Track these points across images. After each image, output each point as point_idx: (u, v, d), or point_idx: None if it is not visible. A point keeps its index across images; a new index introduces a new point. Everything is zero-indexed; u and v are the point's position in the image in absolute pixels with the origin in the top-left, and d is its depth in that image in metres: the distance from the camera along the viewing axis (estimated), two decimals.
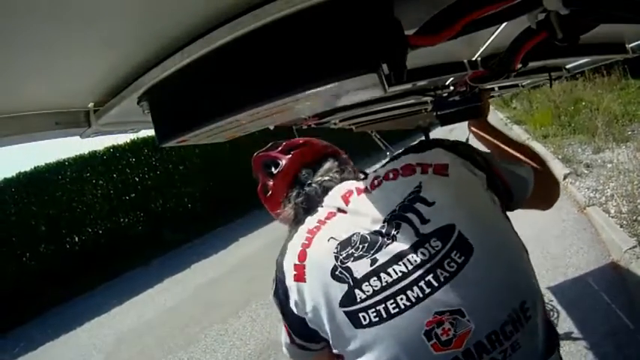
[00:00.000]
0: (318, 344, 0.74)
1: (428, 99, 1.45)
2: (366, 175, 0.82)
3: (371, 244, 0.65)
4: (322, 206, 0.78)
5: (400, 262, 0.62)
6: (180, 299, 4.74)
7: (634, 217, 2.78)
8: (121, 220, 7.68)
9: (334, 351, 0.68)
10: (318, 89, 0.47)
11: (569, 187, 3.76)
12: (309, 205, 0.82)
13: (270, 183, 0.91)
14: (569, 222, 3.23)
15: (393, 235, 0.65)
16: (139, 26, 0.46)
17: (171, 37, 0.50)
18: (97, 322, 4.89)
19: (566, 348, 1.94)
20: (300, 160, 0.90)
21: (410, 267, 0.61)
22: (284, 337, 0.80)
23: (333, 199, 0.78)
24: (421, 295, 0.59)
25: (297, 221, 0.82)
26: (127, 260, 6.82)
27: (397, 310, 0.60)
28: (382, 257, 0.63)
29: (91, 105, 0.70)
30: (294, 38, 0.46)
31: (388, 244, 0.64)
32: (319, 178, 0.84)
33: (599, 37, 1.13)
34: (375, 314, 0.61)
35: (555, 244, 2.93)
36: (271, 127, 0.92)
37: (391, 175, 0.73)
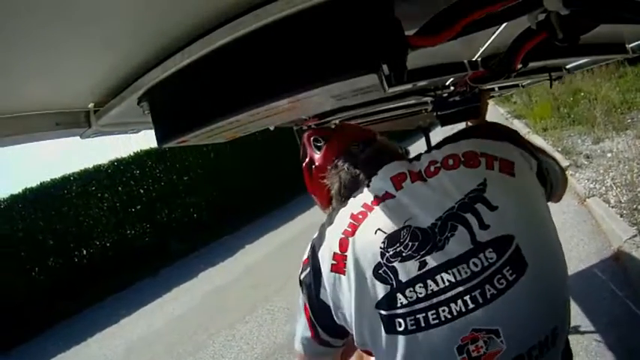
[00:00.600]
0: (341, 340, 0.71)
1: (428, 99, 1.45)
2: (418, 156, 0.73)
3: (421, 243, 0.60)
4: (369, 186, 0.70)
5: (450, 271, 0.58)
6: (188, 307, 4.75)
7: (634, 206, 2.78)
8: (128, 232, 7.70)
9: (358, 347, 0.66)
10: (319, 89, 0.47)
11: (569, 179, 3.76)
12: (357, 176, 0.75)
13: (318, 155, 0.88)
14: (569, 214, 3.22)
15: (447, 236, 0.60)
16: (139, 27, 0.46)
17: (171, 37, 0.50)
18: (107, 332, 4.89)
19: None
20: (350, 133, 0.87)
21: (459, 277, 0.57)
22: (303, 330, 0.72)
23: (381, 180, 0.69)
24: (464, 310, 0.56)
25: (340, 195, 0.77)
26: (134, 271, 6.83)
27: (437, 321, 0.57)
28: (431, 261, 0.59)
29: (91, 105, 0.70)
30: (294, 39, 0.47)
31: (440, 247, 0.59)
32: (370, 153, 0.79)
33: (599, 37, 1.13)
34: (412, 322, 0.58)
35: None
36: (271, 128, 0.93)
37: (451, 162, 0.66)
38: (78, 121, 0.73)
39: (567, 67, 1.65)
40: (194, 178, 8.58)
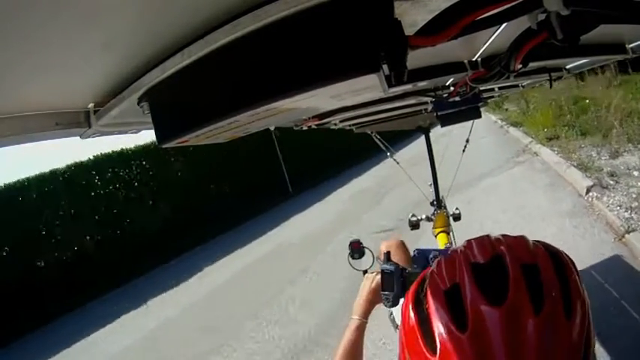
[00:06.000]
0: None
1: (428, 99, 1.45)
2: None
3: None
4: None
5: None
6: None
7: None
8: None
9: None
10: (319, 90, 0.47)
11: (596, 203, 2.95)
12: None
13: None
14: (606, 255, 2.40)
15: None
16: (139, 26, 0.46)
17: (171, 37, 0.50)
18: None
19: None
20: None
21: None
22: None
23: None
24: None
25: None
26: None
27: None
28: None
29: (91, 105, 0.70)
30: (294, 39, 0.46)
31: None
32: None
33: (599, 37, 1.14)
34: None
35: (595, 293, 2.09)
36: (271, 128, 0.92)
37: None
38: (78, 121, 0.73)
39: (567, 67, 1.66)
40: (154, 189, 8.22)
